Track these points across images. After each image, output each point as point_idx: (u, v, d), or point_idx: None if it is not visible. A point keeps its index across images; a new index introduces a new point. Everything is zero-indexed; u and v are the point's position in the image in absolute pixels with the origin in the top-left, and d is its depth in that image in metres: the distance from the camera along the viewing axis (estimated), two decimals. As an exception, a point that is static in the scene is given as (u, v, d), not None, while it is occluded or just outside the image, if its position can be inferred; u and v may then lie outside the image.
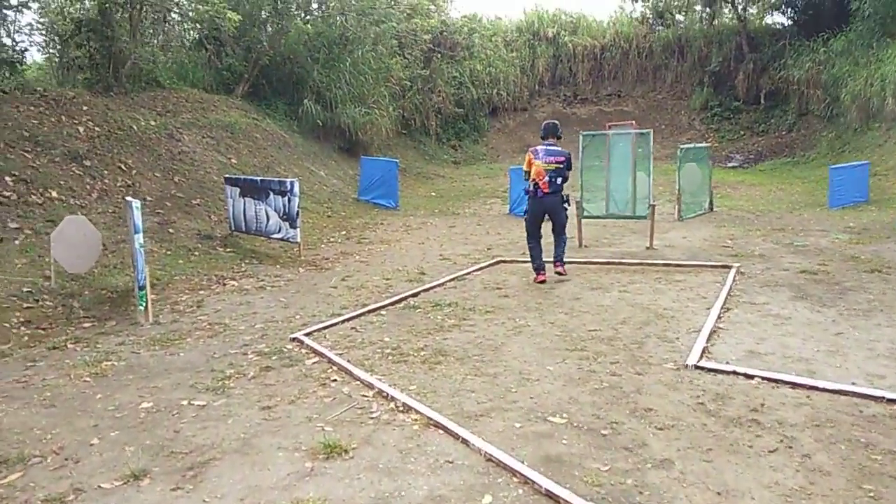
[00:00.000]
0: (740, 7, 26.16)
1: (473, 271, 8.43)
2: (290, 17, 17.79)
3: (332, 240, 11.53)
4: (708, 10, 27.34)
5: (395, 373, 4.88)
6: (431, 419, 3.97)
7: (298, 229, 9.80)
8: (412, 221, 13.63)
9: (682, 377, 4.65)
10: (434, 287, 7.67)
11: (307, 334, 5.90)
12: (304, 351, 5.50)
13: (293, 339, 5.78)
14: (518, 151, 26.29)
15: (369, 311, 6.68)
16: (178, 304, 7.28)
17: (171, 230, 10.39)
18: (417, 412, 4.09)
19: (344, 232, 12.25)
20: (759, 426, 3.89)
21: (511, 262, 8.98)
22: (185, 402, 4.53)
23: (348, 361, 5.09)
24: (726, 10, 27.65)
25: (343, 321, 6.34)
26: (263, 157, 14.68)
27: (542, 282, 7.68)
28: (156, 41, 19.10)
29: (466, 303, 6.90)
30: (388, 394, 4.39)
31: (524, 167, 8.01)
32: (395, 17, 18.43)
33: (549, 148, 7.82)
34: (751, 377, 4.60)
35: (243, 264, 9.37)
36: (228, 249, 10.10)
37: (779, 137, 23.83)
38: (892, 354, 5.03)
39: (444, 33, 23.75)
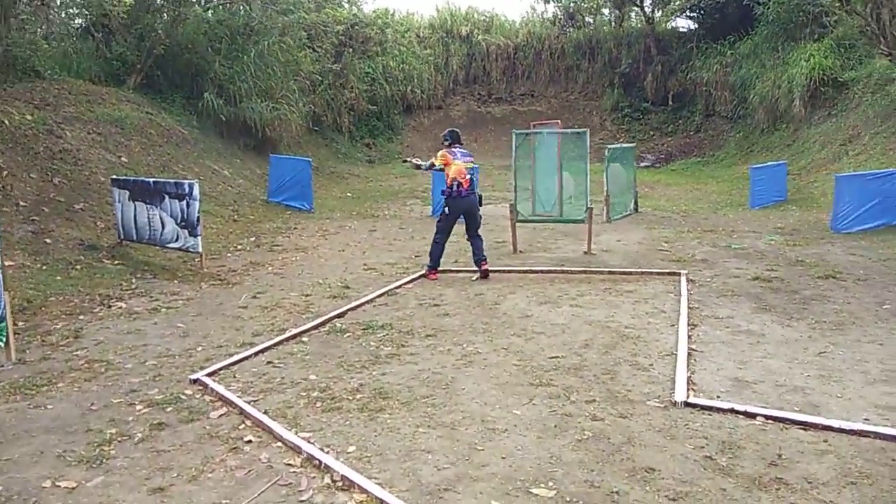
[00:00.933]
0: (648, 10, 26.31)
1: (404, 284, 7.46)
2: (188, 4, 16.19)
3: (239, 247, 10.26)
4: (617, 12, 27.39)
5: (328, 427, 3.85)
6: (383, 502, 2.98)
7: (199, 237, 8.52)
8: (329, 225, 12.49)
9: (675, 419, 3.87)
10: (362, 304, 6.64)
11: (211, 374, 4.76)
12: (208, 398, 4.37)
13: (194, 382, 4.63)
14: (434, 150, 25.25)
15: (289, 339, 5.59)
16: (51, 335, 5.93)
17: (48, 240, 8.86)
18: (362, 490, 3.10)
19: (253, 238, 10.98)
20: (788, 488, 3.13)
21: (444, 271, 8.06)
22: (47, 484, 3.34)
23: (266, 413, 4.02)
24: (633, 14, 27.82)
25: (256, 353, 5.23)
26: (159, 156, 13.14)
27: (435, 279, 7.78)
28: (39, 29, 17.03)
29: (402, 324, 5.92)
30: (320, 461, 3.37)
31: (436, 162, 8.15)
32: (303, 7, 17.09)
33: (462, 150, 8.05)
34: (752, 416, 3.86)
35: (134, 280, 8.01)
36: (117, 262, 8.69)
37: (687, 138, 24.06)
38: (889, 378, 4.44)
39: (356, 27, 22.58)
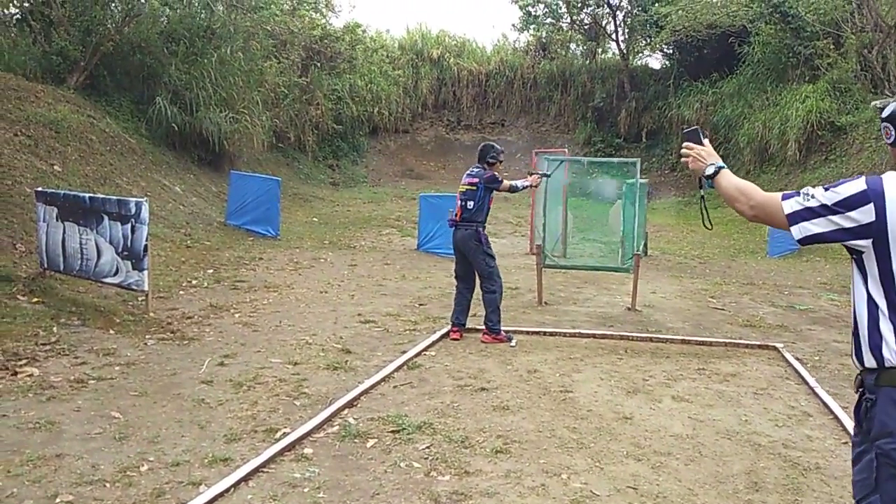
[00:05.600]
0: (623, 45, 25.26)
1: (425, 349, 5.50)
2: (144, -2, 13.99)
3: (194, 283, 8.09)
4: (592, 44, 26.22)
5: None
6: None
7: (146, 272, 6.39)
8: (300, 256, 10.40)
9: None
10: (377, 384, 4.66)
11: (167, 537, 2.71)
12: None
13: (136, 558, 2.58)
14: (400, 175, 23.65)
15: (284, 450, 3.57)
16: None
17: (-58, 268, 6.60)
18: None
19: (211, 270, 8.82)
20: None
21: (472, 329, 6.13)
22: None
23: None
24: (600, 50, 26.72)
25: (237, 483, 3.19)
26: (100, 166, 10.84)
27: (455, 339, 5.91)
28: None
29: (448, 425, 3.96)
30: None
31: None
32: (276, 5, 15.02)
33: (471, 170, 6.07)
34: None
35: (56, 327, 5.80)
36: (35, 300, 6.45)
37: (662, 176, 22.87)
38: None
39: (325, 40, 20.62)
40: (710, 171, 2.07)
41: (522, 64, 26.07)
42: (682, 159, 2.22)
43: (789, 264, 11.03)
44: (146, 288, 6.44)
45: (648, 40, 24.42)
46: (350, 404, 4.26)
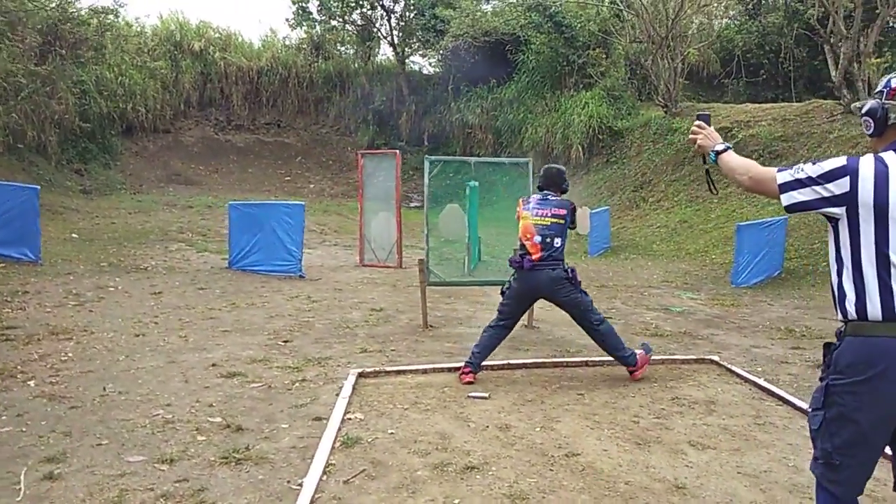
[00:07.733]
0: (398, 49, 24.84)
1: (348, 415, 4.03)
2: None
3: (-65, 337, 5.54)
4: (366, 44, 25.41)
5: None
6: None
7: None
8: (79, 286, 7.95)
9: None
10: (319, 482, 3.15)
11: None
12: None
13: None
14: (164, 180, 20.63)
15: None
16: None
17: None
18: None
19: (-43, 317, 6.21)
20: None
21: (380, 373, 4.76)
22: None
23: None
24: (376, 52, 26.12)
25: None
26: None
27: (468, 383, 4.65)
28: None
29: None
30: None
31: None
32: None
33: (547, 198, 4.90)
34: None
35: None
36: None
37: (447, 179, 22.83)
38: None
39: (68, 24, 16.99)
40: (719, 147, 2.31)
41: (297, 62, 24.42)
42: (692, 136, 2.43)
43: (614, 263, 11.18)
44: None
45: (424, 44, 24.27)
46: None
